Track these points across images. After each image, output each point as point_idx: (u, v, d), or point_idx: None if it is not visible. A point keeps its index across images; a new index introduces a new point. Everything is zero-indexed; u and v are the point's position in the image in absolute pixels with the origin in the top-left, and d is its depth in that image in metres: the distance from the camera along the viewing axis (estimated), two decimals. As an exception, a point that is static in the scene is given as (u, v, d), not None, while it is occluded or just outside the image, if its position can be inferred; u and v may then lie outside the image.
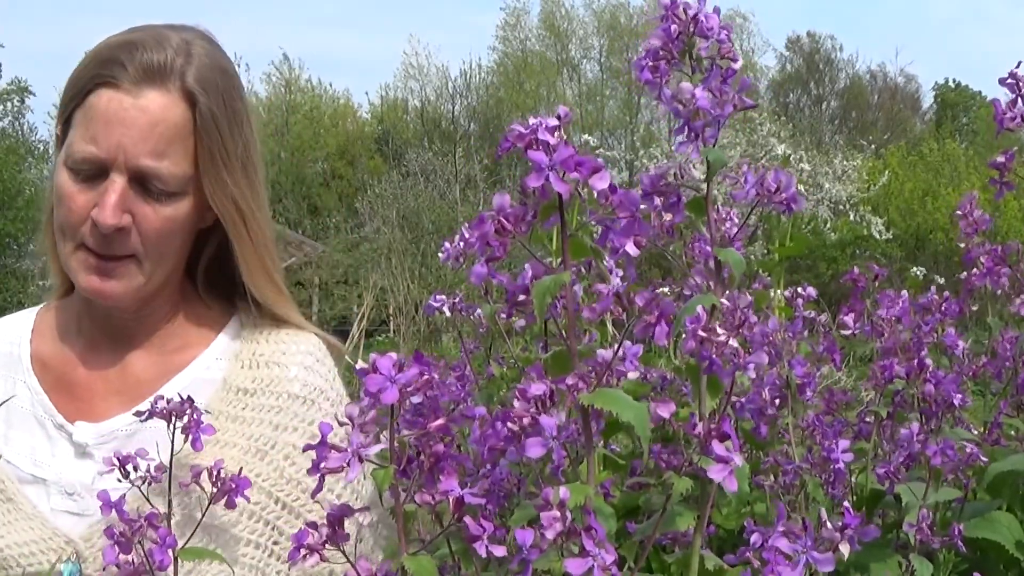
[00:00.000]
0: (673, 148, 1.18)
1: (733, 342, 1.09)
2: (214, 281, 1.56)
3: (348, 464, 0.99)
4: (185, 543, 1.20)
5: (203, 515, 1.28)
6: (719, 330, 1.10)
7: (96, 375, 1.50)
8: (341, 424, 1.03)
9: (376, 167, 25.90)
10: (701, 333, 1.10)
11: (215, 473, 1.20)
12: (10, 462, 1.45)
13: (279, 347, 1.52)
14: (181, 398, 1.23)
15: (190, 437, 1.21)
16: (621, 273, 1.19)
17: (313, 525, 1.05)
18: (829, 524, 1.08)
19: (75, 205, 1.38)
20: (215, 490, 1.19)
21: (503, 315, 1.80)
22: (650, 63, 1.16)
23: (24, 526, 1.41)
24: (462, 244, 1.78)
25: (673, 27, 1.17)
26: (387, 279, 15.15)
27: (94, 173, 1.37)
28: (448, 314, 1.94)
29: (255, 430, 1.45)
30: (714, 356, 1.10)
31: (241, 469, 1.30)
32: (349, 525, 1.06)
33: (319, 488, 1.04)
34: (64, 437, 1.46)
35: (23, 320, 1.59)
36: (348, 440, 1.00)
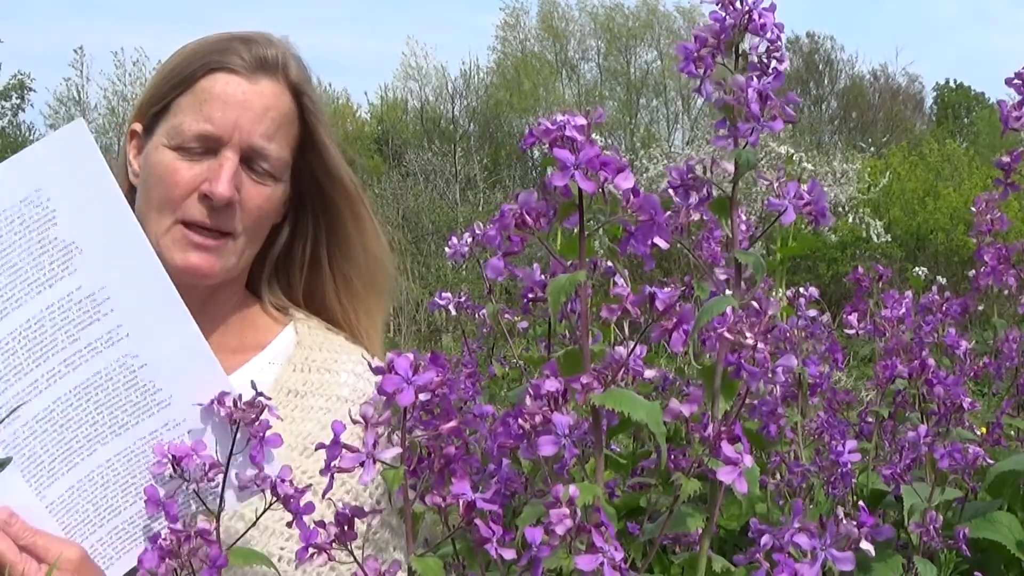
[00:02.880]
0: (711, 141, 1.18)
1: (762, 346, 1.09)
2: (274, 293, 1.62)
3: (363, 465, 0.99)
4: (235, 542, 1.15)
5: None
6: (747, 333, 1.10)
7: None
8: (355, 423, 1.03)
9: (376, 167, 25.87)
10: (728, 336, 1.09)
11: (279, 482, 1.12)
12: None
13: (331, 355, 1.56)
14: (255, 389, 1.17)
15: (250, 443, 1.15)
16: (626, 273, 1.19)
17: (321, 524, 1.05)
18: (844, 521, 1.08)
19: (181, 179, 1.44)
20: (275, 498, 1.12)
21: (506, 315, 1.82)
22: (696, 54, 1.16)
23: None
24: (468, 241, 1.79)
25: (728, 19, 1.16)
26: (387, 279, 15.11)
27: (203, 151, 1.45)
28: (454, 312, 1.95)
29: (302, 428, 1.48)
30: (743, 362, 1.10)
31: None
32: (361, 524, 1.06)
33: (330, 486, 1.04)
34: None
35: None
36: (363, 440, 1.00)
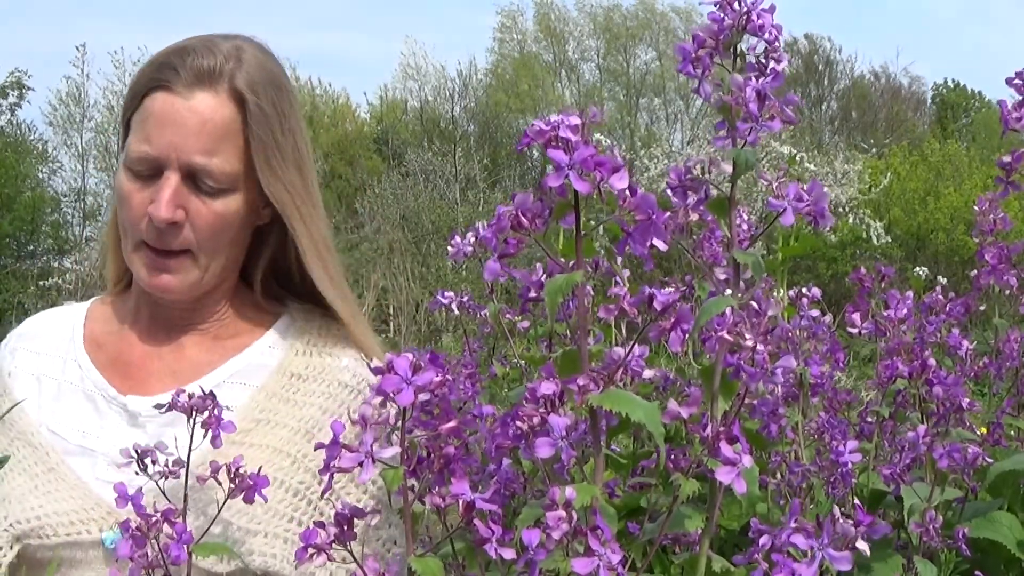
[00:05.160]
0: (711, 142, 1.18)
1: (761, 347, 1.09)
2: (268, 284, 1.63)
3: (361, 465, 0.99)
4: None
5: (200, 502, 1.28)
6: (746, 335, 1.09)
7: (152, 356, 1.56)
8: (354, 423, 1.04)
9: (375, 167, 25.86)
10: (727, 337, 1.09)
11: (234, 470, 1.19)
12: (56, 432, 1.50)
13: (332, 338, 1.59)
14: (203, 391, 1.23)
15: (210, 434, 1.20)
16: (628, 273, 1.19)
17: (321, 524, 1.05)
18: (841, 521, 1.07)
19: (133, 203, 1.46)
20: (232, 486, 1.18)
21: (507, 315, 1.82)
22: (694, 54, 1.16)
23: (66, 495, 1.44)
24: (471, 240, 1.80)
25: (726, 19, 1.16)
26: (388, 279, 15.16)
27: (150, 172, 1.45)
28: (456, 312, 1.96)
29: (305, 412, 1.51)
30: (743, 363, 1.10)
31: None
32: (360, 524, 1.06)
33: (328, 486, 1.04)
34: (115, 409, 1.51)
35: (77, 308, 1.67)
36: (361, 440, 1.00)
